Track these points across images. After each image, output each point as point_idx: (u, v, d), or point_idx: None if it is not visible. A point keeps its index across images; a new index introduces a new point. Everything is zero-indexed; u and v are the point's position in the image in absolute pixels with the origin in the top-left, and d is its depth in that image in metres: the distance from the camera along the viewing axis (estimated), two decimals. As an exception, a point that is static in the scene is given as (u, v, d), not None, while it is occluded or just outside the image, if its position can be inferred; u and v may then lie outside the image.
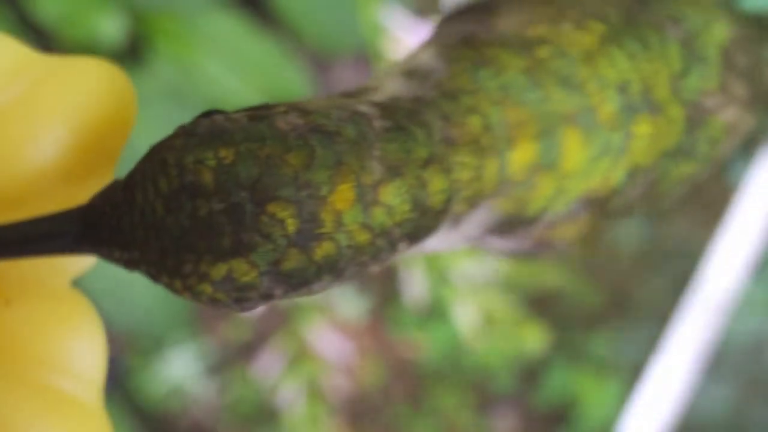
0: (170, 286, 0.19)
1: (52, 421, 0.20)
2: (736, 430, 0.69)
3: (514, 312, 0.59)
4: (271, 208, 0.19)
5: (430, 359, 0.73)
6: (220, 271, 0.19)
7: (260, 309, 0.63)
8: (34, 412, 0.20)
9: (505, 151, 0.23)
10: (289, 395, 0.63)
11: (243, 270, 0.19)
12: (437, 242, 0.23)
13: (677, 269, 0.68)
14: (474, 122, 0.22)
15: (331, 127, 0.20)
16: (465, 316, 0.58)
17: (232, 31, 0.51)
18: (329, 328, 0.63)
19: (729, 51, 0.27)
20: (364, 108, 0.21)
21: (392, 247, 0.20)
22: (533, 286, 0.63)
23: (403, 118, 0.21)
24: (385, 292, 0.73)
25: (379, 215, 0.20)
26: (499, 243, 0.25)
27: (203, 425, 0.71)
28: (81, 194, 0.21)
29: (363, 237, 0.20)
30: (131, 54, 0.51)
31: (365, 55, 0.59)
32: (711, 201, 0.61)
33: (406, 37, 0.57)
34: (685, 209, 0.68)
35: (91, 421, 0.21)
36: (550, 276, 0.62)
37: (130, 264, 0.19)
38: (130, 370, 0.68)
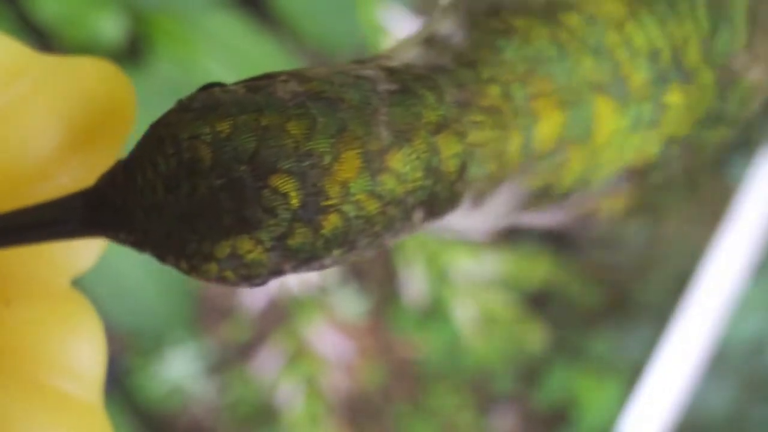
0: (177, 267, 0.19)
1: (52, 421, 0.20)
2: (736, 430, 0.69)
3: (514, 311, 0.59)
4: (273, 181, 0.18)
5: (430, 359, 0.73)
6: (223, 249, 0.18)
7: (261, 307, 0.63)
8: (34, 412, 0.20)
9: (531, 125, 0.21)
10: (289, 394, 0.63)
11: (247, 247, 0.18)
12: (461, 221, 0.22)
13: (677, 269, 0.68)
14: (493, 91, 0.21)
15: (333, 93, 0.19)
16: (464, 315, 0.58)
17: (232, 31, 0.51)
18: (329, 328, 0.63)
19: (753, 7, 0.26)
20: (369, 72, 0.20)
21: (407, 216, 0.19)
22: (533, 285, 0.63)
23: (411, 81, 0.20)
24: (385, 292, 0.73)
25: (388, 182, 0.19)
26: (533, 219, 0.24)
27: (203, 425, 0.71)
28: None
29: (372, 206, 0.19)
30: (131, 54, 0.51)
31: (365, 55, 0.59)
32: (711, 201, 0.61)
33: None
34: (685, 209, 0.68)
35: (91, 420, 0.21)
36: (549, 275, 0.62)
37: (136, 245, 0.19)
38: (130, 370, 0.68)
